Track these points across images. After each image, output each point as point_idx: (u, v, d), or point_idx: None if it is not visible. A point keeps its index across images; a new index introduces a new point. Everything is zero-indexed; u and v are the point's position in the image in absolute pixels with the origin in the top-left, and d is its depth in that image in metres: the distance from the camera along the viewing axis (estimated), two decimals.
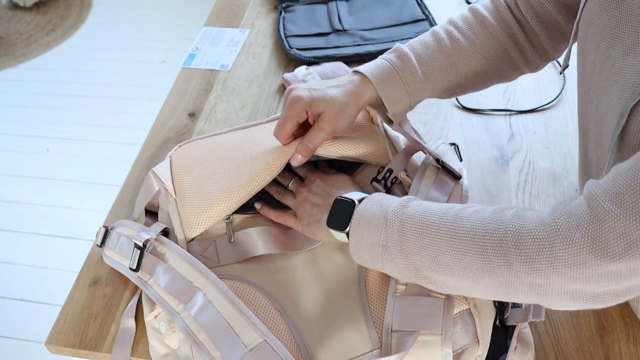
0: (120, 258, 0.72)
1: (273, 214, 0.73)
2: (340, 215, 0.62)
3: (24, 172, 2.15)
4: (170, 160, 0.78)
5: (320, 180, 0.72)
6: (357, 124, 0.78)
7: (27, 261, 1.85)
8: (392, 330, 0.60)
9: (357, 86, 0.70)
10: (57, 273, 1.81)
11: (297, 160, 0.71)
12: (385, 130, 0.79)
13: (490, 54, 0.74)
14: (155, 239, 0.69)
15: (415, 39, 0.75)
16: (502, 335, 0.62)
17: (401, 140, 0.79)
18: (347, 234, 0.61)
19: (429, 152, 0.74)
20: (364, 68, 0.71)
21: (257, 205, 0.74)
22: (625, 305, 0.70)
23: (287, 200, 0.74)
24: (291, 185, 0.75)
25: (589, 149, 0.65)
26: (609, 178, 0.47)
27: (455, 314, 0.60)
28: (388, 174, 0.73)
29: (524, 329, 0.64)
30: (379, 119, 0.79)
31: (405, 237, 0.56)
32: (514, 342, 0.61)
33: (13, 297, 1.75)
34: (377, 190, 0.72)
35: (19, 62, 2.67)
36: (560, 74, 0.75)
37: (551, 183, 0.85)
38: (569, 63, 0.69)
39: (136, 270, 0.68)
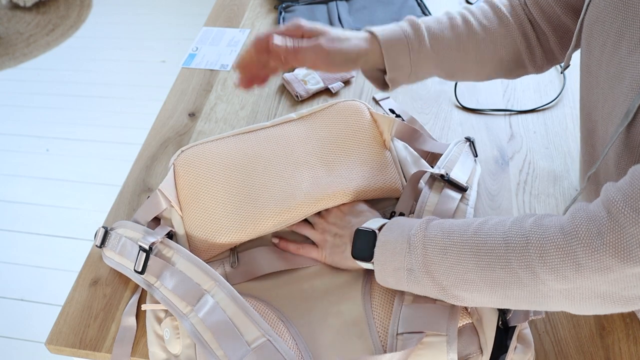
0: (122, 259, 0.72)
1: (293, 247, 0.73)
2: (364, 245, 0.63)
3: (24, 172, 2.16)
4: (174, 168, 0.76)
5: (337, 210, 0.73)
6: (370, 154, 0.78)
7: (27, 261, 1.85)
8: (397, 334, 0.61)
9: (364, 39, 0.70)
10: (57, 273, 1.81)
11: (278, 41, 0.66)
12: (396, 153, 0.80)
13: (500, 45, 0.74)
14: (161, 242, 0.69)
15: (429, 16, 0.75)
16: (502, 335, 0.62)
17: (409, 159, 0.80)
18: (372, 262, 0.62)
19: (432, 174, 0.74)
20: (376, 28, 0.72)
21: (275, 241, 0.74)
22: None
23: (307, 232, 0.74)
24: (313, 218, 0.75)
25: (596, 148, 0.65)
26: (626, 181, 0.47)
27: (459, 327, 0.61)
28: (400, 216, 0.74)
29: (524, 329, 0.64)
30: (391, 143, 0.80)
31: (429, 259, 0.57)
32: (514, 342, 0.61)
33: (13, 297, 1.75)
34: None
35: (19, 62, 2.67)
36: (561, 73, 0.75)
37: (551, 183, 0.85)
38: (570, 62, 0.69)
39: (142, 272, 0.68)
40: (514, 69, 0.76)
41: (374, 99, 1.00)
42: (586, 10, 0.63)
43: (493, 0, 0.76)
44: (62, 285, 1.76)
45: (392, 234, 0.61)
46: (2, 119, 2.39)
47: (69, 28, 2.87)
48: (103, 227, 0.77)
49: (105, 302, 0.74)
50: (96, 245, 0.77)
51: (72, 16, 2.94)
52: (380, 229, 0.63)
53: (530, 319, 0.60)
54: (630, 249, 0.46)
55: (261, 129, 0.80)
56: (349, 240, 0.67)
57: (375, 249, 0.62)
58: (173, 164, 0.77)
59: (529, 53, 0.75)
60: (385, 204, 0.77)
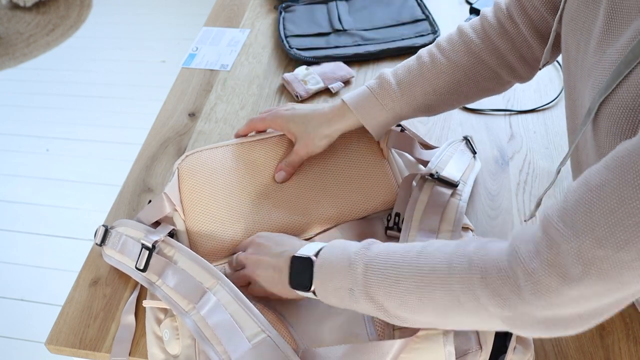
0: (122, 258, 0.72)
1: (234, 280, 0.67)
2: (301, 274, 0.60)
3: (24, 172, 2.16)
4: (178, 173, 0.77)
5: (262, 240, 0.68)
6: (368, 165, 0.78)
7: (27, 261, 1.85)
8: (394, 329, 0.61)
9: (334, 110, 0.75)
10: (57, 273, 1.81)
11: (281, 177, 0.77)
12: (395, 163, 0.80)
13: (472, 72, 0.74)
14: (162, 241, 0.70)
15: (402, 62, 0.78)
16: (501, 336, 0.62)
17: (401, 164, 0.81)
18: (313, 291, 0.60)
19: (422, 175, 0.76)
20: (348, 97, 0.75)
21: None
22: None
23: (238, 272, 0.69)
24: (235, 257, 0.70)
25: (579, 148, 0.65)
26: (562, 198, 0.46)
27: None
28: (397, 217, 0.74)
29: None
30: (390, 153, 0.80)
31: (369, 279, 0.55)
32: (513, 342, 0.61)
33: (13, 297, 1.75)
34: (392, 239, 0.73)
35: (19, 62, 2.67)
36: (540, 69, 0.75)
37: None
38: (549, 59, 0.70)
39: (144, 270, 0.68)
40: (498, 87, 0.76)
41: None
42: (563, 6, 0.62)
43: (463, 28, 0.75)
44: (62, 285, 1.76)
45: (332, 253, 0.59)
46: (2, 119, 2.39)
47: (69, 28, 2.87)
48: (103, 225, 0.77)
49: (105, 302, 0.74)
50: (96, 244, 0.77)
51: (72, 16, 2.94)
52: (317, 254, 0.60)
53: None
54: (566, 268, 0.44)
55: (263, 138, 0.81)
56: (285, 269, 0.62)
57: (315, 268, 0.59)
58: (177, 168, 0.77)
59: (509, 70, 0.74)
60: (381, 213, 0.78)
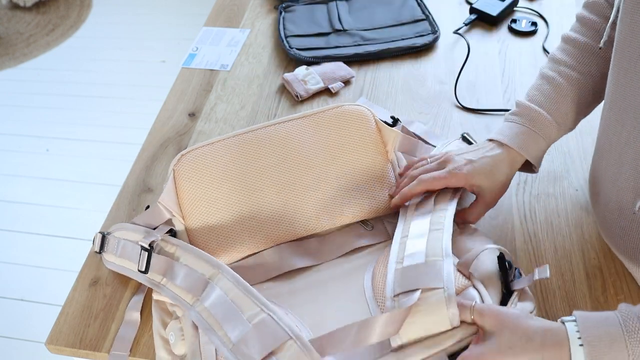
0: (123, 262, 0.72)
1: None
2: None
3: (24, 172, 2.16)
4: (174, 175, 0.75)
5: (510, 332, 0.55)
6: (372, 165, 0.78)
7: (27, 261, 1.85)
8: (394, 296, 0.60)
9: (506, 156, 0.73)
10: (57, 273, 1.81)
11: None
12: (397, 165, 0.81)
13: (601, 72, 0.75)
14: (162, 239, 0.70)
15: (531, 88, 0.77)
16: (505, 300, 0.61)
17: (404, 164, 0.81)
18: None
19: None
20: (504, 137, 0.74)
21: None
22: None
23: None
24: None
25: None
26: None
27: (458, 289, 0.60)
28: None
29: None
30: (394, 155, 0.80)
31: None
32: (513, 301, 0.60)
33: (13, 297, 1.75)
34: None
35: (19, 62, 2.67)
36: (600, 48, 0.75)
37: (551, 183, 0.85)
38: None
39: (145, 272, 0.68)
40: None
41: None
42: None
43: (569, 35, 0.76)
44: (62, 285, 1.76)
45: (596, 328, 0.52)
46: (2, 119, 2.39)
47: (69, 28, 2.87)
48: (100, 232, 0.77)
49: (105, 302, 0.74)
50: (95, 252, 0.77)
51: (72, 16, 2.94)
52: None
53: (534, 280, 0.58)
54: None
55: (262, 127, 0.79)
56: None
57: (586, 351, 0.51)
58: (173, 169, 0.75)
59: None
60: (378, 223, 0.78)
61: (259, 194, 0.74)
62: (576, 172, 0.86)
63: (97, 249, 0.76)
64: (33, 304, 1.73)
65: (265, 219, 0.74)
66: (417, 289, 0.58)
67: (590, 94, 0.75)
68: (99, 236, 0.76)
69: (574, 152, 0.89)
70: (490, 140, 0.75)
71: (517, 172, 0.87)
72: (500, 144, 0.74)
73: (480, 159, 0.72)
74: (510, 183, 0.74)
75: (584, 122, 0.80)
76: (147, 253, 0.69)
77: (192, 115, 1.01)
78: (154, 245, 0.69)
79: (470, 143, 0.86)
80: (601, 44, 0.72)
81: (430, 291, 0.58)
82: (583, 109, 0.76)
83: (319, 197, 0.75)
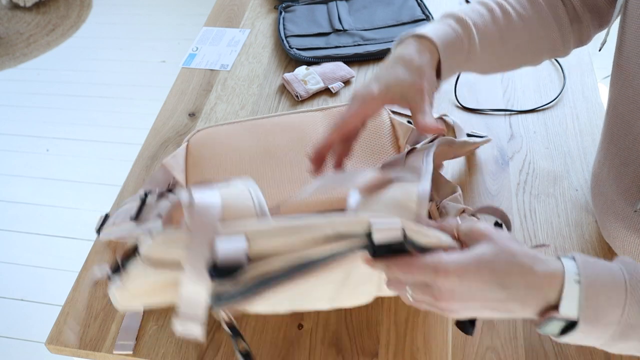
0: (119, 226, 0.73)
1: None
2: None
3: (24, 172, 2.16)
4: (187, 146, 0.76)
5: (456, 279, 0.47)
6: (385, 157, 0.77)
7: (27, 261, 1.85)
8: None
9: (412, 42, 0.64)
10: (57, 273, 1.81)
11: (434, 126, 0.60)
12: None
13: (535, 32, 0.71)
14: (160, 194, 0.69)
15: (466, 6, 0.71)
16: None
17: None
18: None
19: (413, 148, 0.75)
20: (431, 32, 0.65)
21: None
22: None
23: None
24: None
25: None
26: None
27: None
28: None
29: None
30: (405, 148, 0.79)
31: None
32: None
33: (13, 297, 1.75)
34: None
35: (19, 62, 2.67)
36: (599, 50, 0.73)
37: (551, 183, 0.85)
38: (607, 38, 0.68)
39: (136, 219, 0.68)
40: (544, 54, 0.74)
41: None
42: None
43: None
44: (62, 285, 1.76)
45: (597, 275, 0.46)
46: (2, 119, 2.39)
47: (69, 28, 2.87)
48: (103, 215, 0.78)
49: (105, 302, 0.74)
50: (96, 231, 0.77)
51: (72, 16, 2.94)
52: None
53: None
54: None
55: (277, 115, 0.81)
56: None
57: (584, 301, 0.45)
58: (188, 141, 0.77)
59: (561, 38, 0.73)
60: None
61: (271, 172, 0.75)
62: (576, 172, 0.86)
63: (97, 227, 0.77)
64: (33, 304, 1.73)
65: (275, 199, 0.73)
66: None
67: (514, 38, 0.70)
68: (102, 217, 0.77)
69: (574, 152, 0.89)
70: (418, 36, 0.66)
71: (517, 172, 0.87)
72: (427, 40, 0.65)
73: (385, 69, 0.63)
74: (429, 69, 0.63)
75: (584, 122, 0.80)
76: (141, 202, 0.68)
77: (192, 115, 1.01)
78: (149, 194, 0.69)
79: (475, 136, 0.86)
80: (600, 48, 0.71)
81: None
82: (501, 51, 0.70)
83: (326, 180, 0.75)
